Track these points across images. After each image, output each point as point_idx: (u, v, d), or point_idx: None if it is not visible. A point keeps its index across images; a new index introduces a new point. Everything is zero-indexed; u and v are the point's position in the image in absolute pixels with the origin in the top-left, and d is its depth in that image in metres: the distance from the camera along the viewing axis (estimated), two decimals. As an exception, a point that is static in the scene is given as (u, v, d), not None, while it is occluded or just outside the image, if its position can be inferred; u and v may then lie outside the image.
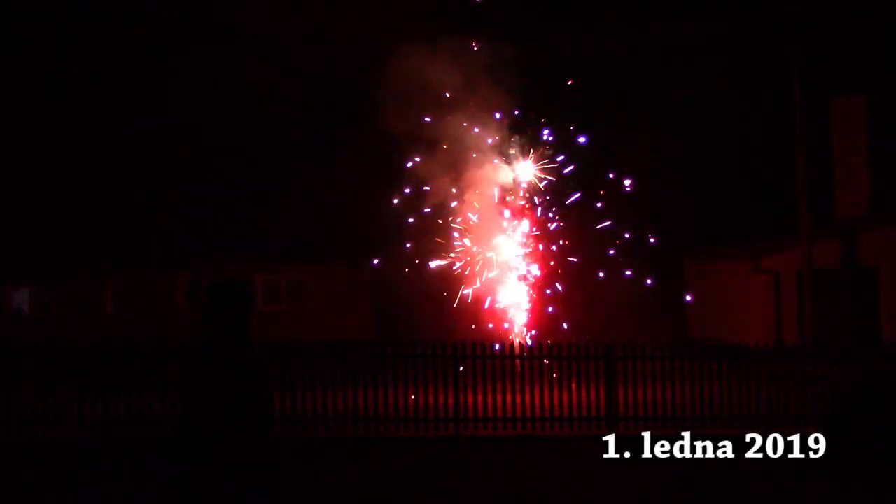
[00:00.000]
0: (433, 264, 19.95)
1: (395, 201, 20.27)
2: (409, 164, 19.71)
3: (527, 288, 20.62)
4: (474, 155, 19.71)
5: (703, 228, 29.36)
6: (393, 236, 21.20)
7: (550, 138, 20.03)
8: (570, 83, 20.30)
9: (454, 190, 19.77)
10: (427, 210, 19.83)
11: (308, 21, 19.38)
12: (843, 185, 24.59)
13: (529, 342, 19.71)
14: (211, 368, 4.73)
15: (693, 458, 11.69)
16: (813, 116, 22.27)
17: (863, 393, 11.48)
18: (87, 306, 28.51)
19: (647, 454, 12.02)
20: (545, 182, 19.95)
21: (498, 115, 19.80)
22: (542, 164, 19.98)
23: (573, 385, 13.64)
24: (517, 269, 20.27)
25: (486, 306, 20.33)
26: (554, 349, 13.97)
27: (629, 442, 12.91)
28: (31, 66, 28.68)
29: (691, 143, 28.28)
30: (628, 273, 21.28)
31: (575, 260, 20.12)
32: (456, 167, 19.68)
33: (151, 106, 30.08)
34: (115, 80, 30.34)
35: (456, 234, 20.09)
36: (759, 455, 11.96)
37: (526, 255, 20.24)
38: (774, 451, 12.21)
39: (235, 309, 4.78)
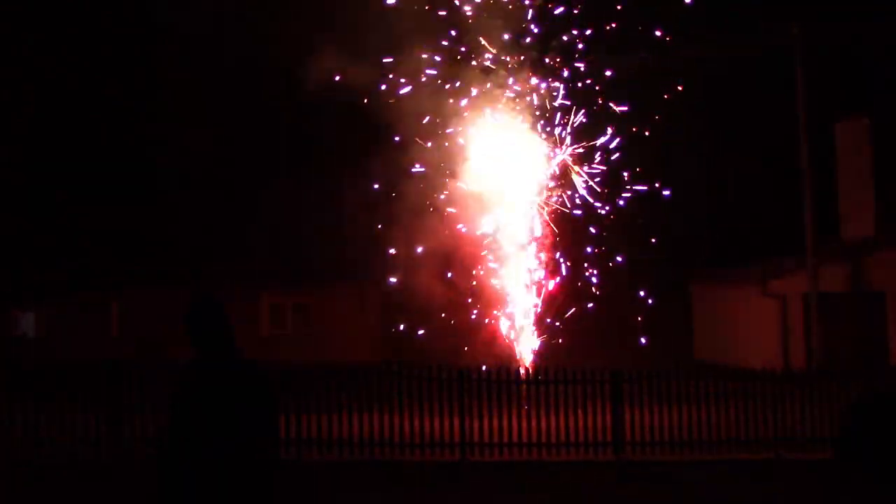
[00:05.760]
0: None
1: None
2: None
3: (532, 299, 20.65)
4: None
5: (710, 251, 29.32)
6: (399, 256, 21.25)
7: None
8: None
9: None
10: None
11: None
12: (849, 208, 24.55)
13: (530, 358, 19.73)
14: (201, 386, 4.73)
15: (701, 483, 11.61)
16: (819, 138, 22.28)
17: (871, 411, 11.45)
18: (93, 328, 28.52)
19: (654, 479, 11.95)
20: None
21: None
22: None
23: (579, 410, 13.58)
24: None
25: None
26: (560, 373, 13.92)
27: (636, 467, 12.85)
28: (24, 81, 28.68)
29: (698, 165, 28.31)
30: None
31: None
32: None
33: (154, 129, 30.15)
34: (110, 99, 30.38)
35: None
36: (768, 477, 11.88)
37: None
38: (782, 473, 12.13)
39: (215, 325, 4.79)
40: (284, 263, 29.15)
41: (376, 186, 21.17)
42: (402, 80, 19.79)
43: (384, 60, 19.63)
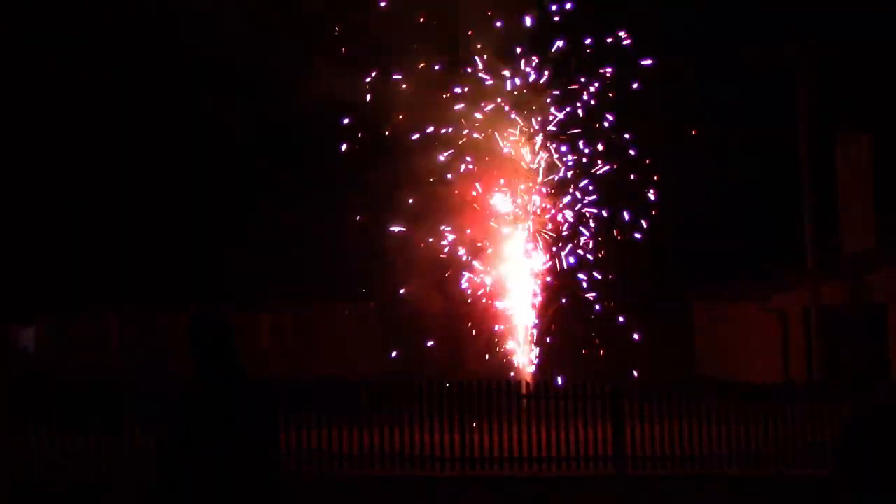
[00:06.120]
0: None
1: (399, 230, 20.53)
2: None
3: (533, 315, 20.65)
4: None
5: (712, 266, 29.27)
6: (400, 271, 21.27)
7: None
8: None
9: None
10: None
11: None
12: (850, 223, 24.56)
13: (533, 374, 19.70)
14: (201, 392, 4.78)
15: (701, 497, 11.57)
16: (820, 153, 22.30)
17: (872, 422, 11.40)
18: (93, 341, 28.49)
19: (655, 493, 11.92)
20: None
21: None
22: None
23: (580, 424, 13.54)
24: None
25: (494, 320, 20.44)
26: (561, 388, 13.89)
27: (637, 481, 12.81)
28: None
29: (697, 181, 28.30)
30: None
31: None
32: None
33: (153, 137, 30.06)
34: (110, 107, 30.30)
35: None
36: (768, 490, 11.84)
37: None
38: (783, 487, 12.09)
39: (216, 339, 4.87)
40: (285, 275, 29.10)
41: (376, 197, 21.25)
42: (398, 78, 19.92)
43: (392, 75, 19.75)
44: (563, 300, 20.66)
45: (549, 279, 20.74)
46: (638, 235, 21.18)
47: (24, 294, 27.77)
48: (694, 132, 20.84)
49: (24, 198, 29.10)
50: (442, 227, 20.42)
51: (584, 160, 20.48)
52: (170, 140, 29.19)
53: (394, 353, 23.10)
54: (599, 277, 20.87)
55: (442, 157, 20.27)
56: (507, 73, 20.25)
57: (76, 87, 29.21)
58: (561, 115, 20.37)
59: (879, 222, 24.36)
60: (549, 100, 20.44)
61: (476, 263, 20.72)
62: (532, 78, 20.38)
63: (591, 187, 20.58)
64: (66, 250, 29.02)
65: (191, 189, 29.87)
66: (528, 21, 20.08)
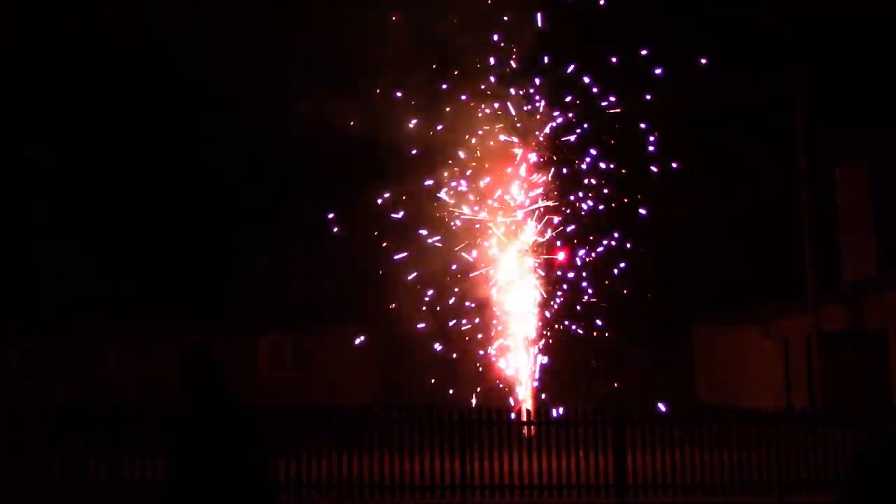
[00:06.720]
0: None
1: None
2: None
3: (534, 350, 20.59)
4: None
5: (712, 293, 29.24)
6: (400, 298, 21.23)
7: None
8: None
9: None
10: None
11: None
12: (849, 248, 24.56)
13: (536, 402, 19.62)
14: (194, 432, 4.83)
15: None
16: (819, 178, 22.34)
17: (879, 451, 11.31)
18: (92, 367, 28.38)
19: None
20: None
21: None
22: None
23: (581, 452, 13.46)
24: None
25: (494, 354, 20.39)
26: (562, 415, 13.82)
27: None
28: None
29: (698, 206, 28.34)
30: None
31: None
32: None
33: (152, 163, 30.03)
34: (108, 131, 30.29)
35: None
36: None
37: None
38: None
39: (206, 370, 4.98)
40: (285, 302, 29.05)
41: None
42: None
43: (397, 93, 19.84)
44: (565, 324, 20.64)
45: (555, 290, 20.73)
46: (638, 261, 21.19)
47: (20, 309, 27.51)
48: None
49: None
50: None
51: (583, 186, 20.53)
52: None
53: (392, 380, 22.99)
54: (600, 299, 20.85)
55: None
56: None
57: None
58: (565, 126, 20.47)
59: (880, 248, 24.36)
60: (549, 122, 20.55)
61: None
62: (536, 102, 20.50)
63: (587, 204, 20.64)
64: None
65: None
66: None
